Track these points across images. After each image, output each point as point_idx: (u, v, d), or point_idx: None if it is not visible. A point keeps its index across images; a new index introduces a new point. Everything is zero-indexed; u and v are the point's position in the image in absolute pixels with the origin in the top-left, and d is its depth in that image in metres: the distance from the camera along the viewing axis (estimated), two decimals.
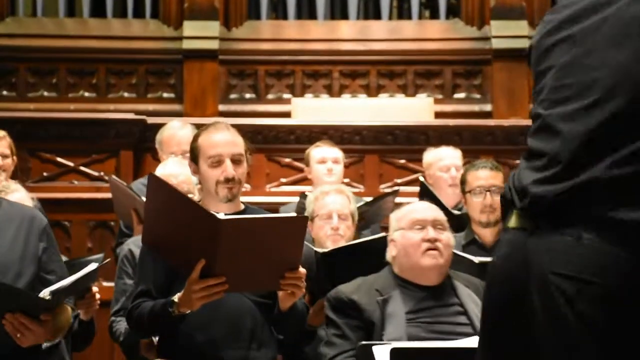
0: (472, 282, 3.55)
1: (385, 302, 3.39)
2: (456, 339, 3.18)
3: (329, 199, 4.12)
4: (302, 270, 3.07)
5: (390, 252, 3.53)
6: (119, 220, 4.90)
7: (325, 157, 5.17)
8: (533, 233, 1.93)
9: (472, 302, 3.41)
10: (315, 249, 3.76)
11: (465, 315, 3.39)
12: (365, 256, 3.68)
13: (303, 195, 4.82)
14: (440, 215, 3.56)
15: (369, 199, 5.05)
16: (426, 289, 3.45)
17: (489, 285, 2.07)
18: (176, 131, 4.99)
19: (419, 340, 3.24)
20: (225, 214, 3.12)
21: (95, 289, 3.47)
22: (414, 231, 3.49)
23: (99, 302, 3.54)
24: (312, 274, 3.37)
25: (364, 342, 3.15)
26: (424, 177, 5.18)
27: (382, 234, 3.78)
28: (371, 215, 4.70)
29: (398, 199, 4.86)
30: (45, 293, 2.93)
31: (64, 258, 3.57)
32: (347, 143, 5.89)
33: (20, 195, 3.79)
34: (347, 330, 3.44)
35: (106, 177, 5.75)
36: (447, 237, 3.50)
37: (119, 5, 7.68)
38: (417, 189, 5.10)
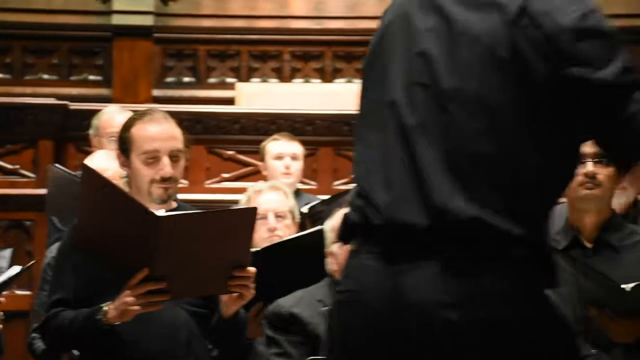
0: None
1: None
2: None
3: (263, 198, 4.19)
4: (251, 269, 3.09)
5: (331, 267, 3.61)
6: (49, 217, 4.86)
7: (283, 153, 5.24)
8: (398, 259, 2.04)
9: None
10: None
11: None
12: (304, 254, 3.74)
13: None
14: None
15: (324, 197, 5.09)
16: None
17: (344, 323, 2.13)
18: (115, 114, 5.04)
19: None
20: (161, 210, 3.14)
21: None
22: None
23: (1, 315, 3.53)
24: None
25: (312, 358, 3.28)
26: None
27: (319, 227, 3.82)
28: (328, 216, 4.75)
29: None
30: None
31: None
32: (298, 134, 5.92)
33: None
34: (289, 347, 3.55)
35: (22, 171, 5.74)
36: None
37: None
38: None
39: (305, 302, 3.58)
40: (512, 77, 2.03)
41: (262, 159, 5.37)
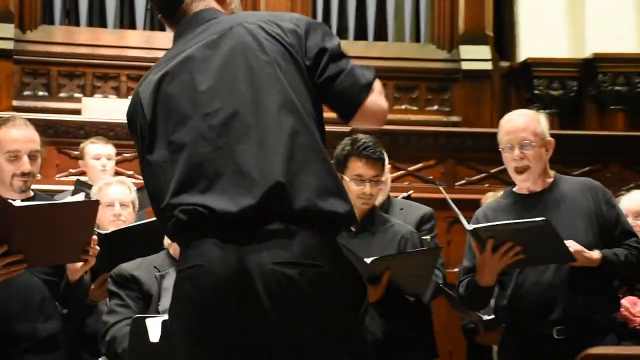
0: None
1: (162, 277, 3.61)
2: None
3: (111, 189, 4.33)
4: (93, 239, 3.14)
5: (166, 241, 3.79)
6: None
7: (100, 154, 5.22)
8: (236, 237, 2.07)
9: None
10: (98, 230, 3.88)
11: None
12: (144, 237, 3.91)
13: (78, 182, 5.05)
14: None
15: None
16: None
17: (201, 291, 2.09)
18: None
19: None
20: (18, 200, 3.18)
21: None
22: None
23: None
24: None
25: (137, 316, 3.33)
26: None
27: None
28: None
29: None
30: None
31: None
32: (131, 139, 5.95)
33: None
34: (129, 300, 3.65)
35: None
36: None
37: None
38: None
39: (143, 267, 3.69)
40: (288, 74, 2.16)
41: (82, 158, 5.33)
